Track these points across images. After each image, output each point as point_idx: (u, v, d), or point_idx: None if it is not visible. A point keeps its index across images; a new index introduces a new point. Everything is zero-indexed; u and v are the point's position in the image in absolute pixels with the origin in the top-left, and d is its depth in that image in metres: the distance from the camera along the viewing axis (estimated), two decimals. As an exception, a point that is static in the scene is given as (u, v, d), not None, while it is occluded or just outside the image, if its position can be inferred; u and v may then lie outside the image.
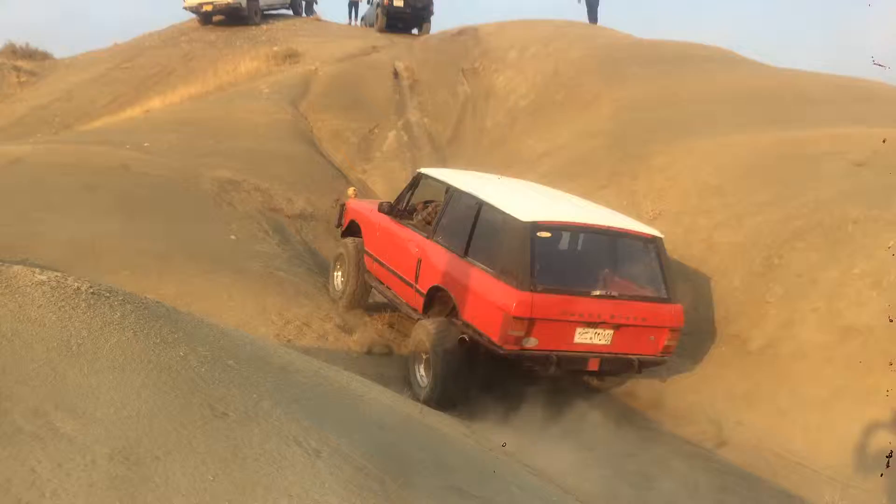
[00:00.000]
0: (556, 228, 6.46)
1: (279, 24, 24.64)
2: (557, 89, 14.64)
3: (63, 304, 2.38)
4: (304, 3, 27.36)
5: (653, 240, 6.45)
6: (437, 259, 6.56)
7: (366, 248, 7.88)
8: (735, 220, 7.93)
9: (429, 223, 7.11)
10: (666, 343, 6.21)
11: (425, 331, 6.22)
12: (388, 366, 6.94)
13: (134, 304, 2.58)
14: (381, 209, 7.58)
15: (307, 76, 17.49)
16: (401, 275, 7.11)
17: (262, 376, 2.71)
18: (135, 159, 10.34)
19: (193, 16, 24.46)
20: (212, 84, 18.23)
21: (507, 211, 6.17)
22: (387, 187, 12.65)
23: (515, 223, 6.01)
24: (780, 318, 6.61)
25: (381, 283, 7.59)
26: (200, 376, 2.43)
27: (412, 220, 7.45)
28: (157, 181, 9.91)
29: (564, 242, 6.97)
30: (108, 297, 2.51)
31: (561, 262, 6.71)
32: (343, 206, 8.87)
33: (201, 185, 10.35)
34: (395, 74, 17.64)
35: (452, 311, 6.24)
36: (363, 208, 8.35)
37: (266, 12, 25.23)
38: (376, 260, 7.64)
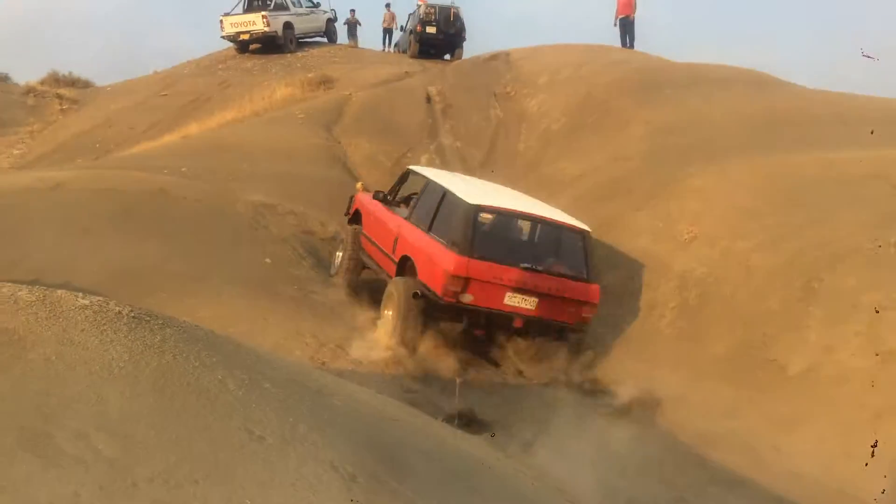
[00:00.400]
0: (496, 212, 8.14)
1: (314, 52, 25.02)
2: (590, 112, 14.61)
3: (105, 327, 2.42)
4: (346, 27, 27.79)
5: (581, 232, 7.98)
6: (409, 235, 8.15)
7: (363, 232, 9.33)
8: (773, 244, 7.81)
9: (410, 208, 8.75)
10: (583, 315, 7.68)
11: (394, 286, 7.82)
12: (422, 388, 6.93)
13: (173, 327, 2.61)
14: (375, 197, 9.28)
15: (341, 101, 17.70)
16: (383, 249, 8.64)
17: (298, 400, 2.72)
18: (172, 184, 10.52)
19: (231, 44, 24.95)
20: (248, 110, 18.52)
21: (461, 196, 7.83)
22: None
23: (464, 204, 7.66)
24: (820, 343, 6.47)
25: (371, 257, 9.06)
26: (238, 400, 2.44)
27: (399, 206, 9.05)
28: (193, 205, 10.07)
29: (504, 225, 8.42)
30: (149, 321, 2.55)
31: (498, 238, 8.16)
32: (352, 197, 10.28)
33: (237, 209, 10.49)
34: (428, 99, 17.77)
35: (415, 274, 7.78)
36: (365, 199, 9.74)
37: (301, 40, 25.65)
38: (369, 239, 9.13)
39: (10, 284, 2.55)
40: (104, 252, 7.78)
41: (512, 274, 7.40)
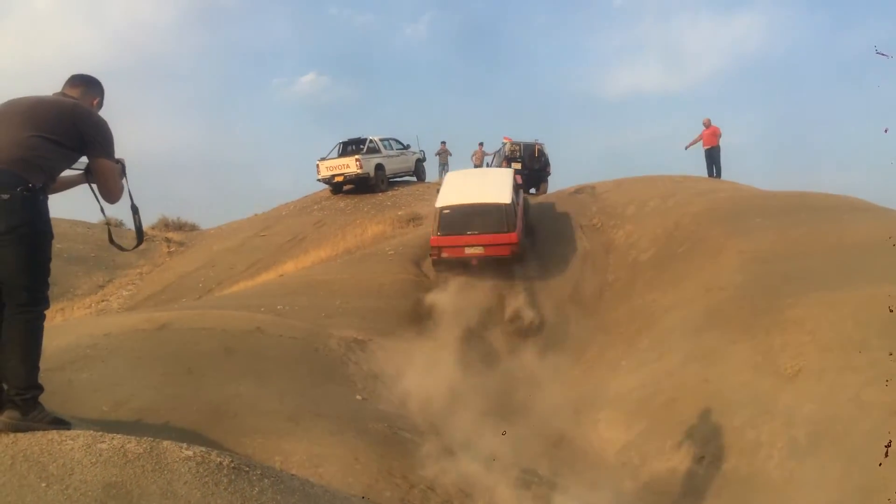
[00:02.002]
0: (451, 207, 14.97)
1: (404, 190, 26.07)
2: (680, 242, 14.49)
3: (207, 479, 2.47)
4: (438, 157, 29.01)
5: (501, 204, 14.71)
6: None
7: None
8: (886, 378, 7.34)
9: None
10: (510, 251, 14.42)
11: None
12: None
13: (271, 478, 2.64)
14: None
15: (429, 237, 18.19)
16: None
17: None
18: (269, 322, 10.88)
19: (326, 186, 26.31)
20: (340, 247, 19.25)
21: (437, 201, 15.26)
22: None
23: (436, 207, 14.95)
24: (950, 489, 5.92)
25: None
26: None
27: None
28: (288, 342, 10.34)
29: (458, 212, 14.94)
30: (248, 472, 2.59)
31: (457, 220, 14.83)
32: None
33: (329, 345, 10.70)
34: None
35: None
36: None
37: (391, 179, 26.82)
38: None
39: (119, 437, 2.65)
40: (205, 391, 8.00)
41: (465, 238, 14.68)
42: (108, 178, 3.99)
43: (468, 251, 14.51)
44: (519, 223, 14.94)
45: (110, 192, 4.04)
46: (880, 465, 6.49)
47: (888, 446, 6.52)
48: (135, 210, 4.30)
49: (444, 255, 14.67)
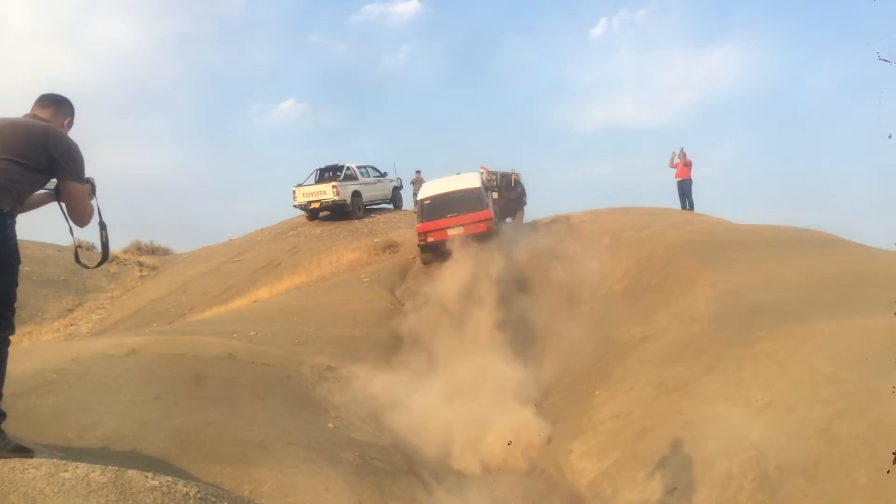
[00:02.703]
0: (431, 198, 17.85)
1: (380, 217, 26.09)
2: (653, 274, 14.61)
3: (172, 509, 2.42)
4: (413, 186, 29.13)
5: (474, 188, 17.83)
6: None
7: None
8: (856, 411, 7.42)
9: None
10: (487, 226, 17.23)
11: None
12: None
13: (238, 508, 2.59)
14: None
15: (404, 264, 18.23)
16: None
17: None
18: (241, 348, 10.76)
19: (302, 212, 26.24)
20: (315, 274, 19.17)
21: (419, 194, 18.83)
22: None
23: (417, 199, 18.60)
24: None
25: None
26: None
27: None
28: (260, 369, 10.22)
29: (437, 201, 17.73)
30: (215, 502, 2.55)
31: (437, 208, 17.64)
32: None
33: (302, 372, 10.60)
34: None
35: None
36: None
37: (368, 207, 26.83)
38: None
39: (84, 465, 2.59)
40: (173, 419, 7.87)
41: (446, 221, 17.38)
42: (77, 201, 3.98)
43: (450, 232, 17.34)
44: (491, 204, 18.41)
45: (80, 215, 4.04)
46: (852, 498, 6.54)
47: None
48: (102, 226, 4.28)
49: (430, 238, 17.55)
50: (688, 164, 21.44)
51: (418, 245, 18.08)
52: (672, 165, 21.49)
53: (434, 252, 17.63)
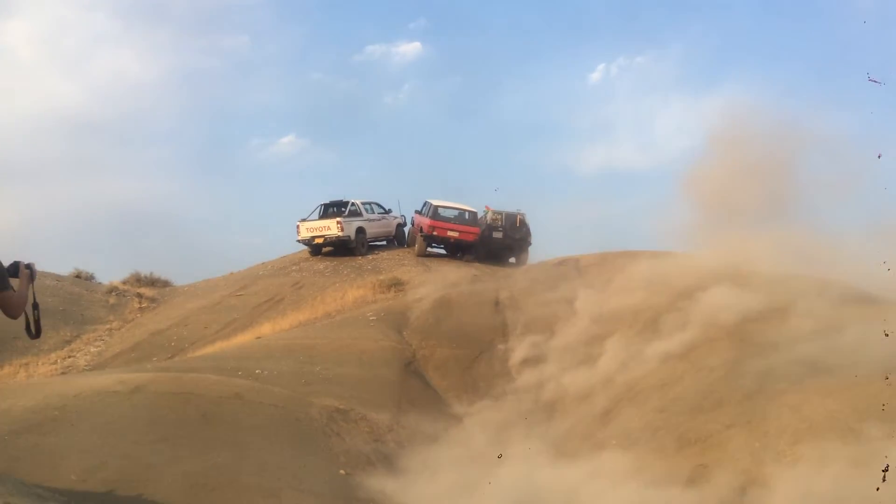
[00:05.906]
0: (443, 206, 25.62)
1: (384, 255, 25.81)
2: (666, 319, 14.31)
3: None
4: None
5: (471, 210, 25.75)
6: (423, 222, 25.71)
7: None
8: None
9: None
10: (474, 237, 25.11)
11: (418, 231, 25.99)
12: None
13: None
14: (421, 213, 26.46)
15: (411, 304, 17.88)
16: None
17: None
18: (248, 388, 10.43)
19: (304, 247, 25.97)
20: (320, 311, 18.84)
21: (434, 202, 26.08)
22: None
23: (431, 203, 25.76)
24: None
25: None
26: None
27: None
28: (268, 410, 9.90)
29: (444, 211, 25.47)
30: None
31: (445, 214, 25.37)
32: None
33: (310, 414, 10.27)
34: (496, 303, 17.84)
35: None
36: (421, 220, 26.00)
37: (372, 243, 26.60)
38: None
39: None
40: (180, 462, 7.55)
41: (448, 225, 24.91)
42: (9, 306, 4.28)
43: (449, 233, 24.90)
44: (478, 228, 25.29)
45: (12, 314, 4.33)
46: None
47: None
48: (35, 306, 4.62)
49: (435, 233, 24.82)
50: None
51: (422, 235, 25.20)
52: None
53: (432, 243, 25.63)
